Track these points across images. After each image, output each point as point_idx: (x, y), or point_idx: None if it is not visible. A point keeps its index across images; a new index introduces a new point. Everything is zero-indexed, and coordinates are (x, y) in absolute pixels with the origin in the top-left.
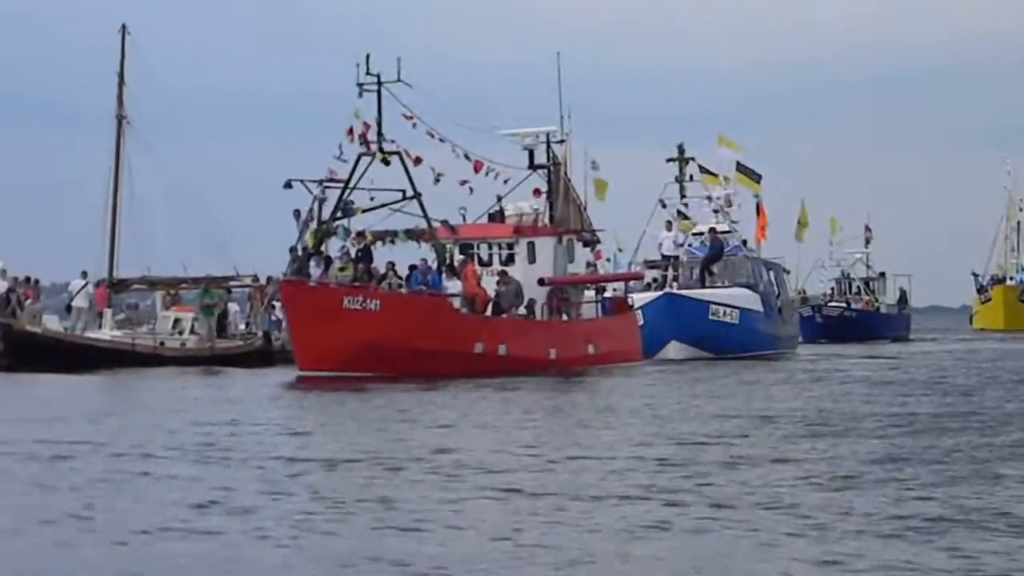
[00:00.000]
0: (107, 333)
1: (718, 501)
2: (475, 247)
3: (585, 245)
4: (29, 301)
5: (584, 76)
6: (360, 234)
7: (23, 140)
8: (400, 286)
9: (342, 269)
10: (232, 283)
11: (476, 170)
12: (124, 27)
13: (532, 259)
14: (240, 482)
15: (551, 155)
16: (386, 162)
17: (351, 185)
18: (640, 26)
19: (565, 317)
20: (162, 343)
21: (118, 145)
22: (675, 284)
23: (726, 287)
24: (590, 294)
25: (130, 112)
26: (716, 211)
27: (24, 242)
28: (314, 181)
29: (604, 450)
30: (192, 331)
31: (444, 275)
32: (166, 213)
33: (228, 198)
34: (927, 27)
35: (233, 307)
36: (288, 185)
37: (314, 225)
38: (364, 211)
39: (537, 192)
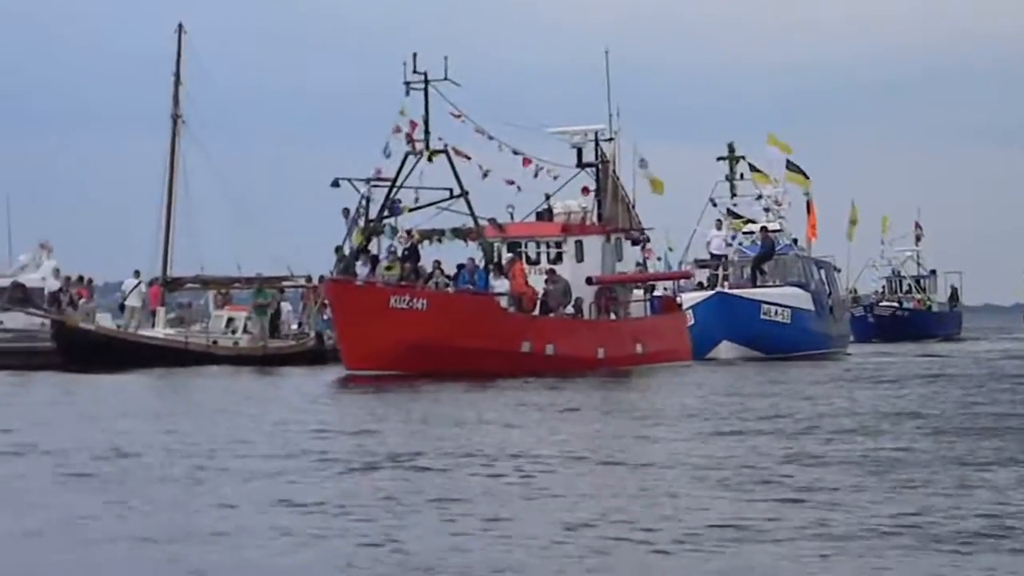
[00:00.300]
0: (160, 331)
1: (796, 499)
2: (523, 245)
3: (634, 244)
4: (83, 300)
5: (623, 72)
6: (407, 233)
7: (75, 140)
8: (447, 285)
9: (389, 268)
10: (285, 283)
11: (524, 164)
12: (180, 26)
13: (580, 258)
14: (304, 480)
15: (599, 153)
16: (430, 159)
17: (398, 184)
18: (679, 21)
19: (613, 316)
20: (215, 342)
21: (173, 144)
22: (726, 283)
23: (777, 286)
24: (639, 293)
25: (185, 111)
26: (766, 209)
27: (77, 241)
28: (361, 180)
29: (665, 447)
30: (245, 330)
31: (491, 274)
32: (219, 212)
33: (276, 197)
34: (981, 22)
35: (286, 307)
36: (336, 184)
37: (362, 224)
38: (411, 210)
39: (585, 190)
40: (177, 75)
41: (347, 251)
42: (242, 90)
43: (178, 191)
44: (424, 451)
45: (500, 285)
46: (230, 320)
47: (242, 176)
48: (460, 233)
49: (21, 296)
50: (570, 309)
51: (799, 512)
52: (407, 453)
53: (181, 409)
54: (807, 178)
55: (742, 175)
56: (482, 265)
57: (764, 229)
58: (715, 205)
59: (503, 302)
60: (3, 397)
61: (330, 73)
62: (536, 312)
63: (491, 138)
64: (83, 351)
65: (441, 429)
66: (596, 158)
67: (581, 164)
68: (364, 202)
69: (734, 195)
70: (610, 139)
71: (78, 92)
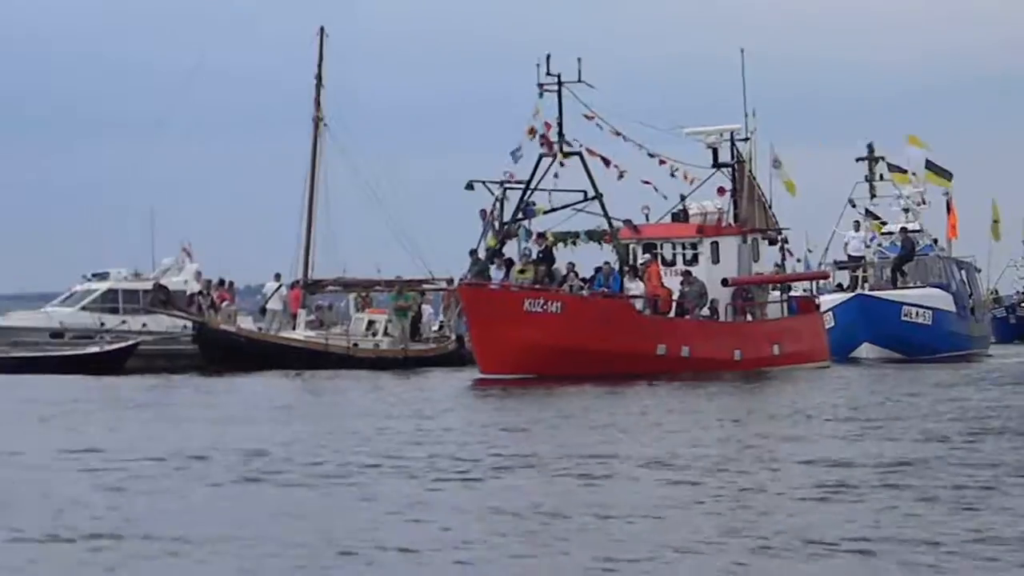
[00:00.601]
0: (300, 334)
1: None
2: (658, 247)
3: (771, 244)
4: (225, 303)
5: (761, 70)
6: (541, 235)
7: (217, 143)
8: (581, 288)
9: (522, 271)
10: (426, 285)
11: (660, 164)
12: (322, 29)
13: (716, 259)
14: (453, 484)
15: (735, 153)
16: (561, 163)
17: (532, 186)
18: (811, 15)
19: (749, 317)
20: (355, 344)
21: (315, 147)
22: (866, 285)
23: (918, 288)
24: (776, 294)
25: (327, 114)
26: (906, 210)
27: (219, 245)
28: (495, 182)
29: (812, 449)
30: (385, 333)
31: (626, 276)
32: (360, 214)
33: (412, 199)
34: None
35: (427, 309)
36: (470, 186)
37: (496, 226)
38: (545, 212)
39: (721, 191)
40: (319, 78)
41: (481, 254)
42: (376, 93)
43: (319, 193)
44: (568, 455)
45: (635, 287)
46: (371, 323)
47: (381, 178)
48: (594, 235)
49: (164, 298)
50: (706, 311)
51: (958, 516)
52: (551, 457)
53: (325, 412)
54: (949, 177)
55: (881, 176)
56: (617, 268)
57: (904, 230)
58: (854, 206)
59: (638, 304)
60: (149, 399)
61: (462, 77)
62: (672, 314)
63: (626, 140)
64: (224, 353)
65: (583, 433)
66: (732, 158)
67: (717, 164)
68: (498, 204)
69: (873, 196)
70: (746, 139)
71: (218, 97)
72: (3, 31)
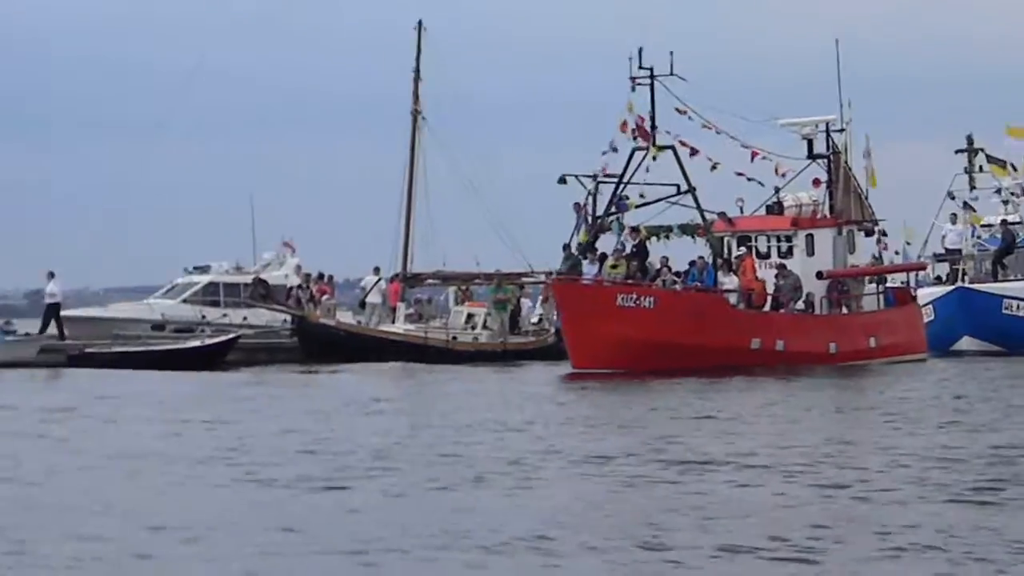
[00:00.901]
0: (400, 327)
1: None
2: (753, 240)
3: (867, 235)
4: (326, 297)
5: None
6: (634, 229)
7: (317, 137)
8: (675, 282)
9: (614, 266)
10: (525, 279)
11: (752, 157)
12: (420, 23)
13: (811, 251)
14: (565, 481)
15: (831, 144)
16: (655, 157)
17: (625, 180)
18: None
19: (845, 310)
20: (454, 338)
21: (413, 140)
22: (966, 278)
23: (1019, 280)
24: (872, 286)
25: (425, 108)
26: (1005, 202)
27: (318, 239)
28: (588, 176)
29: (917, 447)
30: (484, 326)
31: (720, 270)
32: (459, 207)
33: (509, 192)
34: None
35: (526, 303)
36: (563, 180)
37: (590, 220)
38: (638, 206)
39: (816, 182)
40: (417, 71)
41: (574, 248)
42: (472, 87)
43: (418, 187)
44: (670, 448)
45: (729, 281)
46: (470, 316)
47: (479, 171)
48: (688, 229)
49: (264, 292)
50: (801, 304)
51: None
52: (655, 451)
53: (427, 405)
54: None
55: (980, 167)
56: (711, 261)
57: (1004, 222)
58: (953, 198)
59: (732, 298)
60: (253, 394)
61: (560, 75)
62: (766, 307)
63: (719, 132)
64: (323, 347)
65: (683, 427)
66: (827, 149)
67: (812, 156)
68: (591, 199)
69: (973, 188)
70: (841, 130)
71: (314, 90)
72: (3, 31)
